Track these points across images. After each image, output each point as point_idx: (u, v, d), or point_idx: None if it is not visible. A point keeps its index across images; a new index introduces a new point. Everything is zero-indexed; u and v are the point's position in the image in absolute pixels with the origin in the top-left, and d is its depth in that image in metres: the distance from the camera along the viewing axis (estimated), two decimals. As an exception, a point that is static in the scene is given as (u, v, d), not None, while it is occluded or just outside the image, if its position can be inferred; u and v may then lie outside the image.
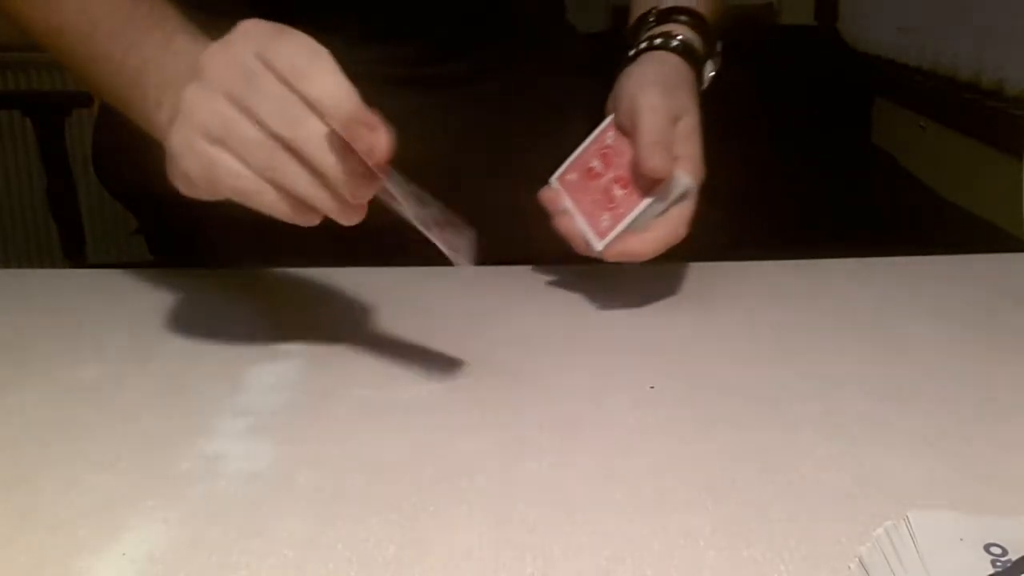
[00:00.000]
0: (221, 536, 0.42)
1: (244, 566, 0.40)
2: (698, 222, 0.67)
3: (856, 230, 1.75)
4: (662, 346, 0.63)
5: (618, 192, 0.66)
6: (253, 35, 0.51)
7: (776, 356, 0.61)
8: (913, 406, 0.54)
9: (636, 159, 0.65)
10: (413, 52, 0.81)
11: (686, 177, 0.66)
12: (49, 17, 0.65)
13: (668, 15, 0.74)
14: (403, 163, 0.86)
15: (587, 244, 0.67)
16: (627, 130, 0.67)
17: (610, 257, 0.66)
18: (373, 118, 0.49)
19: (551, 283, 0.74)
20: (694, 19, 0.73)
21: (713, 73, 0.75)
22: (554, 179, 0.71)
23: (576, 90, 0.85)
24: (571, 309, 0.69)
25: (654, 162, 0.63)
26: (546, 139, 0.76)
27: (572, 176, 0.70)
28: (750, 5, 2.55)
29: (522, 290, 0.73)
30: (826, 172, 2.12)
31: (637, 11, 0.77)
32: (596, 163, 0.69)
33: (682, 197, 0.66)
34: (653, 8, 0.75)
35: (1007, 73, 1.78)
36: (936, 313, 0.68)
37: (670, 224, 0.66)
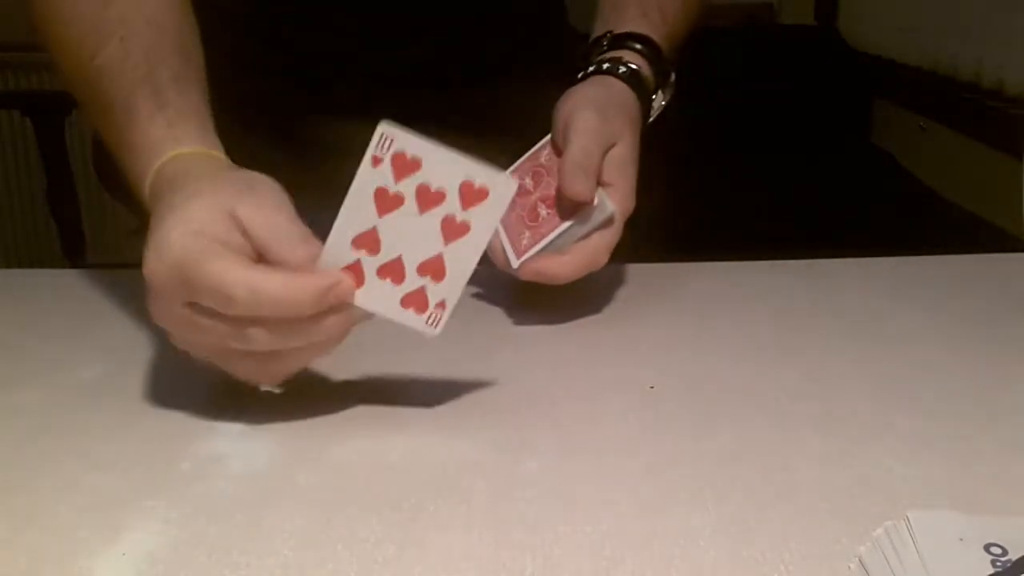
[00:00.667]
0: (221, 536, 0.42)
1: (244, 566, 0.40)
2: (633, 222, 0.66)
3: (856, 230, 1.75)
4: (662, 346, 0.63)
5: (543, 212, 0.66)
6: (169, 288, 0.49)
7: (776, 356, 0.61)
8: (913, 406, 0.54)
9: (559, 180, 0.64)
10: (415, 53, 0.81)
11: (611, 204, 0.65)
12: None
13: (622, 41, 0.72)
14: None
15: (505, 259, 0.66)
16: (559, 150, 0.66)
17: (525, 275, 0.65)
18: (325, 282, 0.48)
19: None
20: (648, 48, 0.72)
21: (663, 103, 0.74)
22: None
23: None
24: (571, 309, 0.69)
25: (574, 185, 0.62)
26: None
27: None
28: (750, 5, 2.55)
29: (521, 290, 0.73)
30: (826, 172, 2.12)
31: (596, 32, 0.76)
32: (528, 180, 0.68)
33: (605, 224, 0.65)
34: (608, 32, 0.74)
35: (1007, 73, 1.78)
36: (936, 313, 0.68)
37: (589, 249, 0.64)
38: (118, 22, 0.62)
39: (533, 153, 0.70)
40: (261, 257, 0.50)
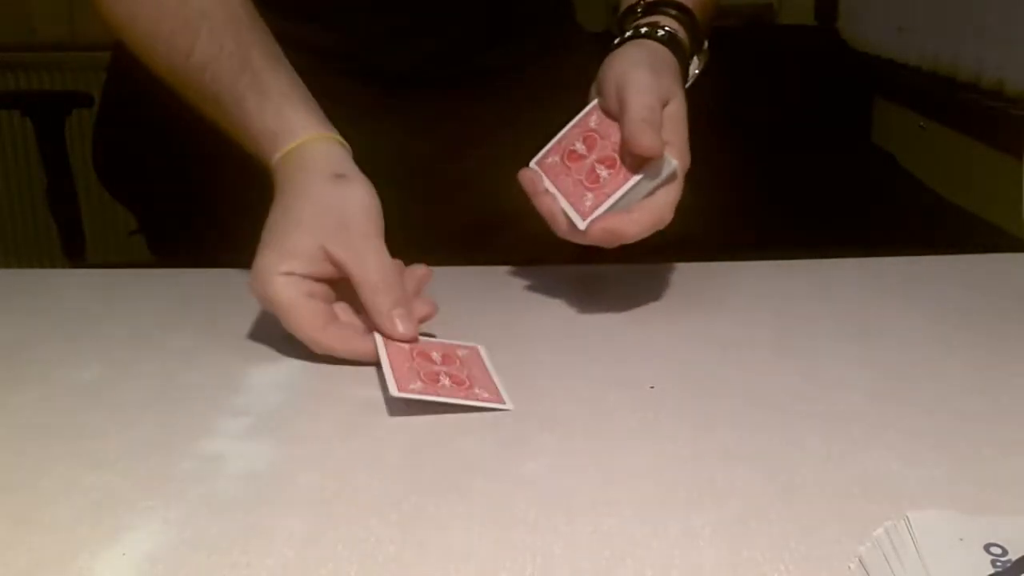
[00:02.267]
0: (221, 536, 0.42)
1: (244, 566, 0.40)
2: (682, 210, 0.65)
3: (856, 230, 1.75)
4: (662, 346, 0.63)
5: (603, 173, 0.65)
6: (265, 305, 0.61)
7: (776, 356, 0.61)
8: (913, 406, 0.54)
9: (625, 137, 0.64)
10: (425, 52, 0.81)
11: (674, 160, 0.64)
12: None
13: (657, 7, 0.73)
14: (414, 162, 0.86)
15: (569, 224, 0.65)
16: (613, 112, 0.66)
17: (592, 236, 0.64)
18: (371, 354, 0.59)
19: (551, 283, 0.74)
20: (682, 13, 0.73)
21: (698, 71, 0.74)
22: (533, 163, 0.70)
23: (587, 90, 0.85)
24: (571, 309, 0.69)
25: (644, 139, 0.62)
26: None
27: (553, 159, 0.68)
28: (750, 5, 2.54)
29: (522, 290, 0.73)
30: (826, 172, 2.12)
31: (625, 4, 0.77)
32: (579, 146, 0.68)
33: (668, 180, 0.65)
34: (640, 0, 0.75)
35: (1007, 73, 1.78)
36: (936, 313, 0.68)
37: (656, 206, 0.64)
38: (200, 16, 0.67)
39: (579, 120, 0.69)
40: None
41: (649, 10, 0.73)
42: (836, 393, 0.56)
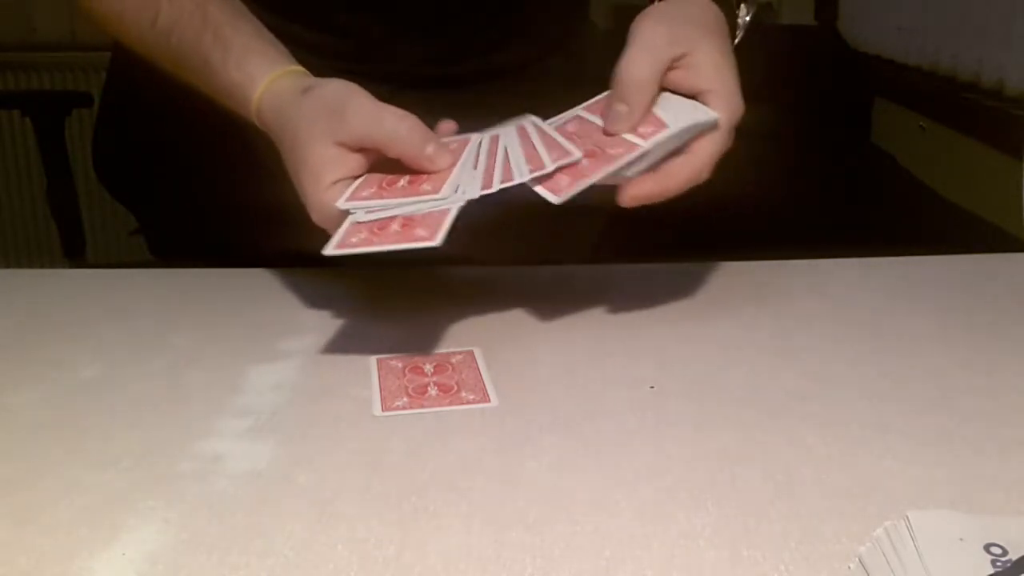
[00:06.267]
0: (221, 536, 0.42)
1: (244, 566, 0.40)
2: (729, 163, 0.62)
3: (856, 230, 1.75)
4: (662, 346, 0.63)
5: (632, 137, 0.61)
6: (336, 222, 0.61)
7: (776, 356, 0.61)
8: (913, 406, 0.54)
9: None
10: (433, 51, 0.81)
11: (712, 111, 0.60)
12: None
13: None
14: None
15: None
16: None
17: (626, 203, 0.60)
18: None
19: (552, 283, 0.74)
20: None
21: (747, 18, 0.71)
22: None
23: (599, 89, 0.84)
24: (571, 309, 0.69)
25: (615, 124, 0.60)
26: None
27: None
28: (754, 11, 2.54)
29: (522, 290, 0.73)
30: (826, 172, 2.12)
31: None
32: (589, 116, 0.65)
33: (707, 131, 0.60)
34: None
35: (1007, 73, 1.78)
36: (936, 313, 0.68)
37: (693, 159, 0.60)
38: None
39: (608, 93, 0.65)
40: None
41: None
42: (836, 393, 0.56)
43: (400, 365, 0.59)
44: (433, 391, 0.56)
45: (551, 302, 0.70)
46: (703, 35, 0.64)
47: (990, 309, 0.68)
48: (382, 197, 0.59)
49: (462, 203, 0.57)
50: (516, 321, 0.67)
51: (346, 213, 0.59)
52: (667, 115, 0.60)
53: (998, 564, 0.38)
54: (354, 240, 0.57)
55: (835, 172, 2.13)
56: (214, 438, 0.51)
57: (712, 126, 0.61)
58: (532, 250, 0.79)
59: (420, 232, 0.56)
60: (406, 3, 0.78)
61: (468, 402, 0.55)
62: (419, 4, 0.79)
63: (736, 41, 0.70)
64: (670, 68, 0.62)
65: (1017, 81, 1.75)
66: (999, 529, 0.41)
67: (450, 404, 0.55)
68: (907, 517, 0.42)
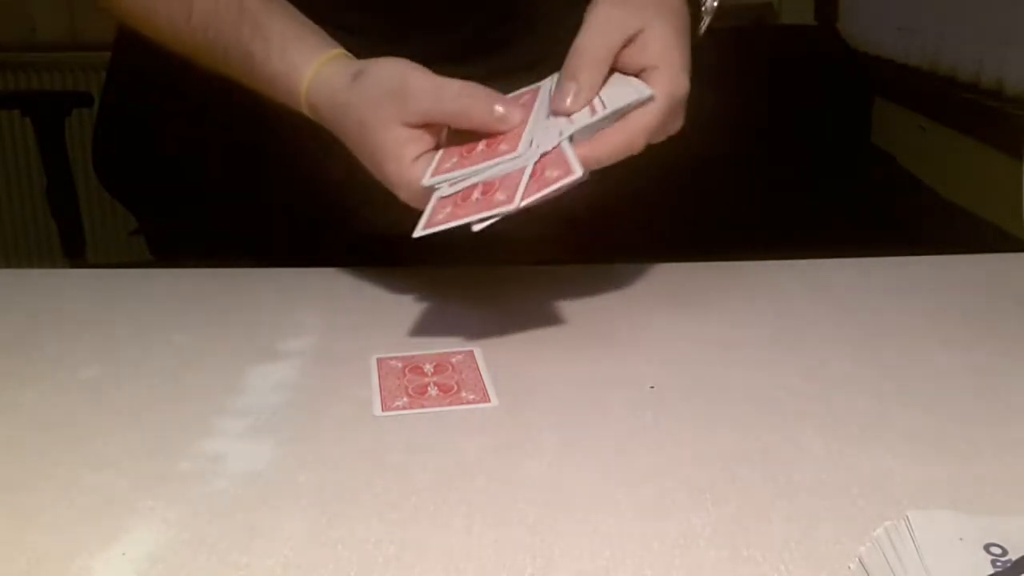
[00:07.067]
0: (221, 536, 0.42)
1: (244, 566, 0.40)
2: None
3: (856, 230, 1.75)
4: (662, 346, 0.63)
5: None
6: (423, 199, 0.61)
7: (776, 356, 0.61)
8: (913, 406, 0.54)
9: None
10: (442, 50, 0.80)
11: (647, 88, 0.61)
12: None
13: None
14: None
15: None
16: None
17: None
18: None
19: (551, 283, 0.74)
20: None
21: (715, 3, 0.72)
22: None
23: None
24: (571, 309, 0.69)
25: (559, 102, 0.61)
26: None
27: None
28: (750, 5, 2.54)
29: (522, 290, 0.73)
30: (826, 172, 2.12)
31: None
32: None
33: (641, 106, 0.61)
34: None
35: (1007, 73, 1.78)
36: (936, 313, 0.68)
37: (626, 129, 0.61)
38: None
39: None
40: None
41: None
42: (836, 393, 0.56)
43: (400, 365, 0.59)
44: (433, 391, 0.56)
45: (551, 302, 0.70)
46: (656, 14, 0.65)
47: (990, 309, 0.68)
48: (463, 167, 0.60)
49: (537, 157, 0.58)
50: (516, 321, 0.67)
51: (432, 189, 0.59)
52: (606, 97, 0.63)
53: (998, 564, 0.38)
54: (440, 217, 0.58)
55: (835, 172, 2.13)
56: (214, 438, 0.51)
57: (648, 100, 0.62)
58: (533, 250, 0.79)
59: (499, 197, 0.57)
60: (415, 2, 0.78)
61: (468, 402, 0.55)
62: (428, 3, 0.79)
63: (703, 26, 0.71)
64: (623, 47, 0.63)
65: (1017, 81, 1.75)
66: (999, 529, 0.41)
67: (450, 404, 0.55)
68: (907, 517, 0.42)
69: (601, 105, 0.62)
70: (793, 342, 0.63)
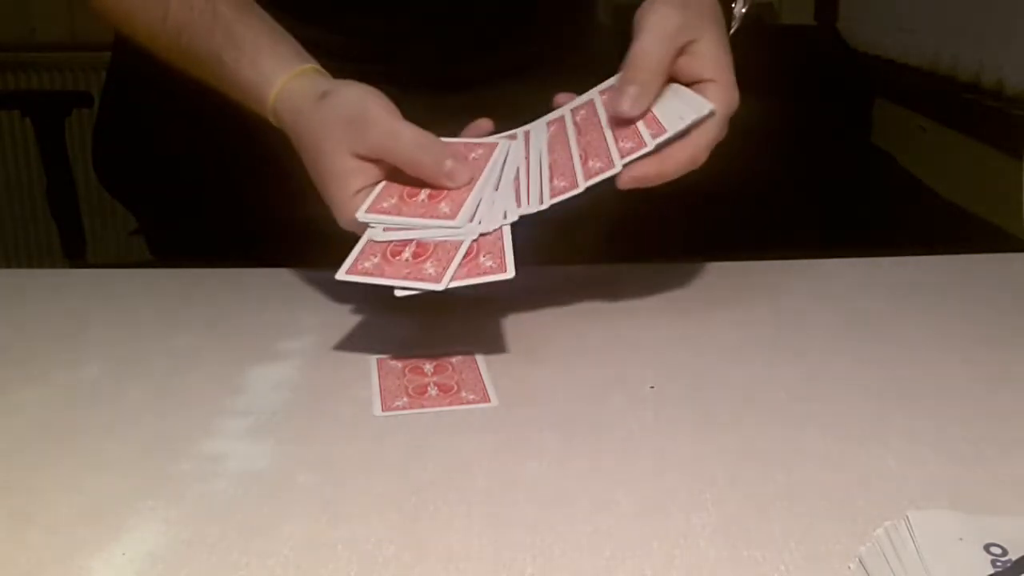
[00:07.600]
0: (221, 536, 0.42)
1: (244, 566, 0.40)
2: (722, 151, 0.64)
3: (856, 230, 1.75)
4: (662, 346, 0.63)
5: (640, 127, 0.63)
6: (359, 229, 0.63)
7: (776, 356, 0.61)
8: (913, 406, 0.54)
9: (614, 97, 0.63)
10: (443, 52, 0.80)
11: (709, 103, 0.62)
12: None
13: None
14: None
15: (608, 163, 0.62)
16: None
17: (625, 184, 0.62)
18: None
19: (552, 283, 0.74)
20: None
21: (743, 10, 0.73)
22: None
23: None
24: (572, 309, 0.69)
25: (622, 105, 0.61)
26: None
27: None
28: (750, 5, 2.54)
29: (522, 290, 0.73)
30: (826, 172, 2.12)
31: None
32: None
33: (704, 121, 0.62)
34: None
35: (1007, 73, 1.78)
36: (936, 313, 0.68)
37: (690, 145, 0.62)
38: None
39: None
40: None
41: None
42: (836, 393, 0.56)
43: (400, 365, 0.59)
44: (433, 391, 0.56)
45: (551, 302, 0.70)
46: (708, 24, 0.66)
47: (990, 309, 0.68)
48: (400, 212, 0.60)
49: (475, 236, 0.59)
50: (516, 321, 0.67)
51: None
52: (668, 113, 0.63)
53: (998, 564, 0.38)
54: (367, 266, 0.58)
55: (835, 172, 2.13)
56: (214, 438, 0.51)
57: (710, 117, 0.63)
58: (540, 254, 0.79)
59: (428, 270, 0.57)
60: (416, 4, 0.78)
61: (468, 402, 0.55)
62: (429, 5, 0.79)
63: (731, 32, 0.71)
64: (678, 54, 0.63)
65: (1017, 81, 1.75)
66: (999, 529, 0.41)
67: (450, 404, 0.55)
68: (907, 517, 0.42)
69: (664, 129, 0.62)
70: (793, 342, 0.63)
